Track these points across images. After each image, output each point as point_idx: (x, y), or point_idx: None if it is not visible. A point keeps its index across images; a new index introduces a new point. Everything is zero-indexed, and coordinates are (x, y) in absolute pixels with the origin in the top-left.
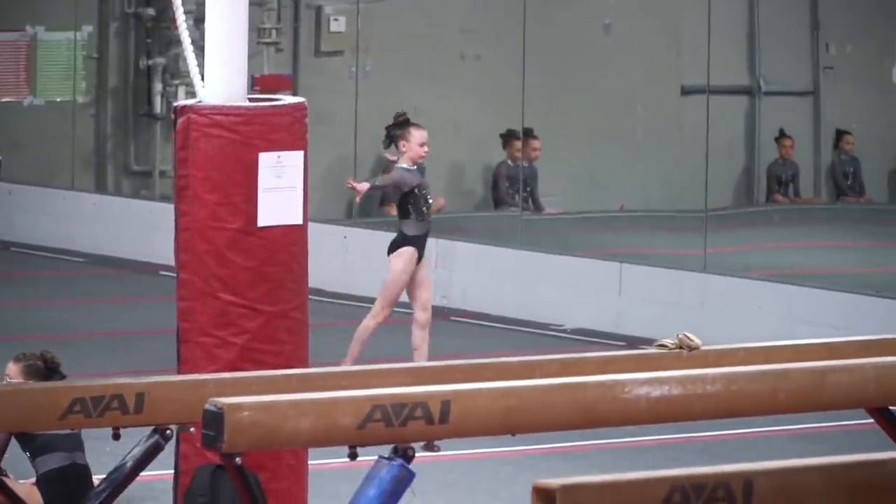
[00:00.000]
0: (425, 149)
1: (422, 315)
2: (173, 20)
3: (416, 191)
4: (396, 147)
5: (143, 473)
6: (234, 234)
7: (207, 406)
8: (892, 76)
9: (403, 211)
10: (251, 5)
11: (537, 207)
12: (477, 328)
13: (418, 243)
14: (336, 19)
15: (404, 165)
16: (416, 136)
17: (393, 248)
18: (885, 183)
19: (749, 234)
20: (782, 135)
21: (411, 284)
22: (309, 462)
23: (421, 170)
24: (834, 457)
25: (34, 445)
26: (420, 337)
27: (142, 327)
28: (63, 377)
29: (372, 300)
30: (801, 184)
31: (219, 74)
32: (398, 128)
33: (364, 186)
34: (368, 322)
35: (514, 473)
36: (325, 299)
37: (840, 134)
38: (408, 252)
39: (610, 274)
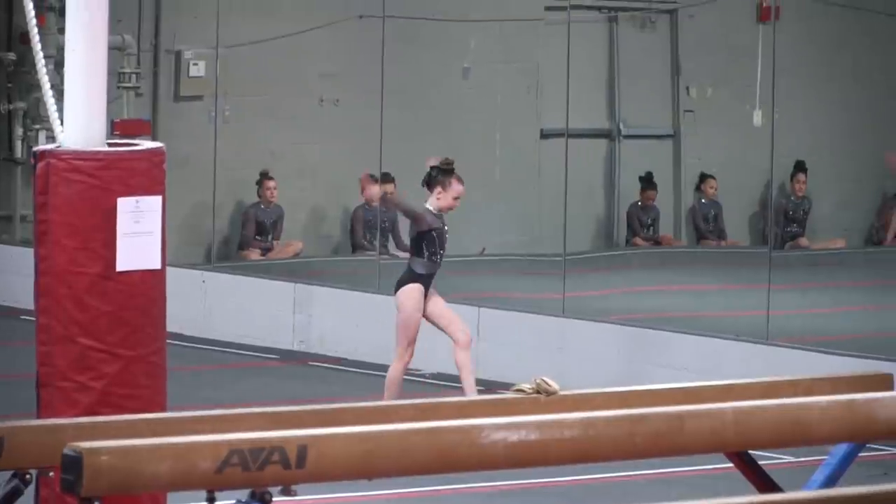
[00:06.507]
0: (458, 203)
1: (462, 336)
2: (34, 65)
3: (434, 233)
4: (430, 189)
5: None
6: (94, 279)
7: (66, 450)
8: (752, 119)
9: (418, 249)
10: (111, 49)
11: (403, 250)
12: (335, 372)
13: (425, 281)
14: (195, 64)
15: (430, 208)
16: (456, 189)
17: (400, 285)
18: (745, 226)
19: (608, 277)
20: (648, 184)
21: (434, 318)
22: None
23: (278, 213)
24: (692, 501)
25: None
26: (464, 357)
27: (1, 371)
28: None
29: (231, 344)
30: (660, 227)
31: (78, 119)
32: (441, 173)
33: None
34: (397, 366)
35: None
36: (184, 343)
37: (703, 177)
38: (416, 289)
39: (468, 318)
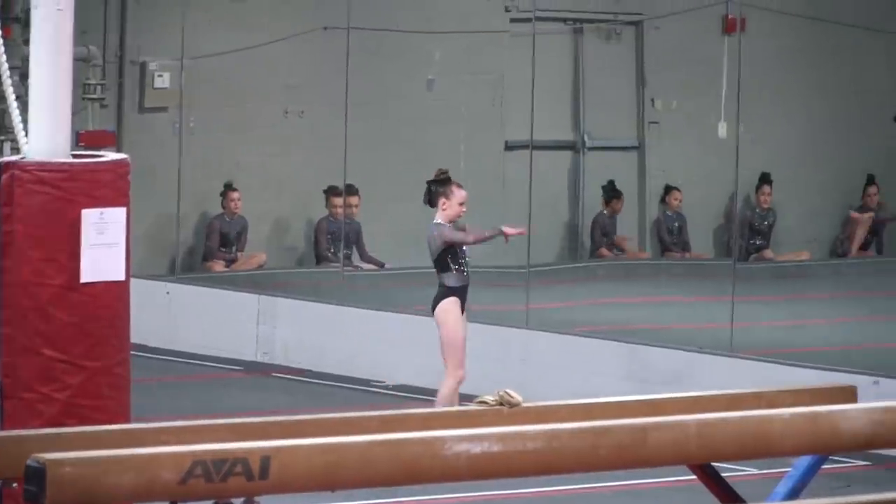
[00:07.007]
0: (464, 208)
1: (458, 375)
2: None
3: (455, 246)
4: (435, 203)
5: None
6: (58, 291)
7: (29, 462)
8: (717, 131)
9: (443, 265)
10: (76, 61)
11: (367, 261)
12: (298, 384)
13: (461, 294)
14: (160, 75)
15: (441, 222)
16: (458, 195)
17: (436, 302)
18: (709, 238)
19: (572, 289)
20: (613, 194)
21: None
22: None
23: (242, 224)
24: None
25: None
26: (449, 394)
27: None
28: None
29: (195, 355)
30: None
31: (43, 130)
32: (440, 185)
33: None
34: (449, 383)
35: None
36: (148, 355)
37: (668, 189)
38: (453, 303)
39: (431, 330)
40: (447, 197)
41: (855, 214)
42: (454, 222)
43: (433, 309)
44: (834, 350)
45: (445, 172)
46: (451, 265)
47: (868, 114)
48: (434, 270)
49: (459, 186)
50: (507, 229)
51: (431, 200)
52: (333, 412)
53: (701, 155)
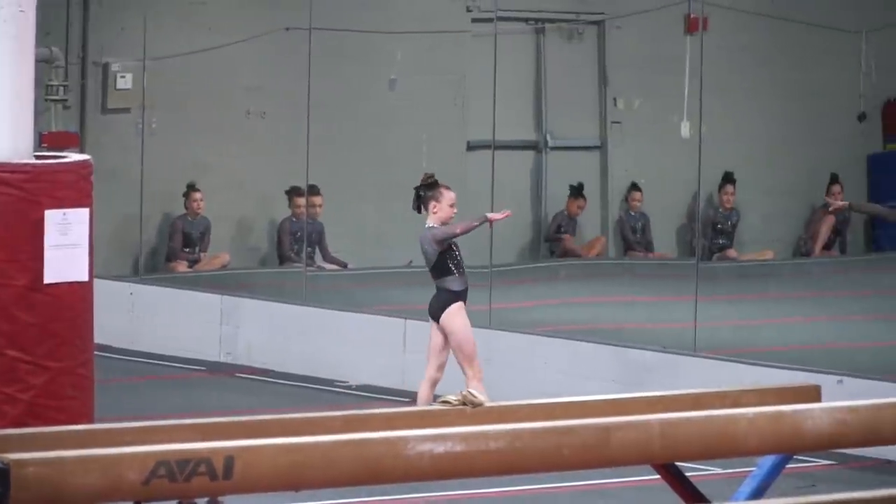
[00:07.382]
0: (455, 209)
1: (436, 374)
2: None
3: (453, 248)
4: (425, 208)
5: None
6: (21, 291)
7: None
8: (680, 131)
9: (444, 269)
10: (38, 62)
11: (330, 262)
12: (262, 384)
13: (463, 297)
14: (123, 76)
15: (434, 225)
16: (448, 197)
17: (442, 308)
18: (673, 238)
19: (535, 289)
20: (578, 194)
21: (438, 340)
22: None
23: (205, 225)
24: None
25: None
26: (427, 394)
27: None
28: None
29: (158, 356)
30: (587, 239)
31: (5, 131)
32: (428, 189)
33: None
34: (478, 385)
35: None
36: (112, 355)
37: (631, 189)
38: (458, 307)
39: (394, 330)
40: (437, 200)
41: (827, 197)
42: (446, 224)
43: (434, 314)
44: (798, 349)
45: (432, 176)
46: (453, 269)
47: (832, 113)
48: (426, 272)
49: (448, 188)
50: (492, 215)
51: (420, 206)
52: (297, 412)
53: (664, 154)
